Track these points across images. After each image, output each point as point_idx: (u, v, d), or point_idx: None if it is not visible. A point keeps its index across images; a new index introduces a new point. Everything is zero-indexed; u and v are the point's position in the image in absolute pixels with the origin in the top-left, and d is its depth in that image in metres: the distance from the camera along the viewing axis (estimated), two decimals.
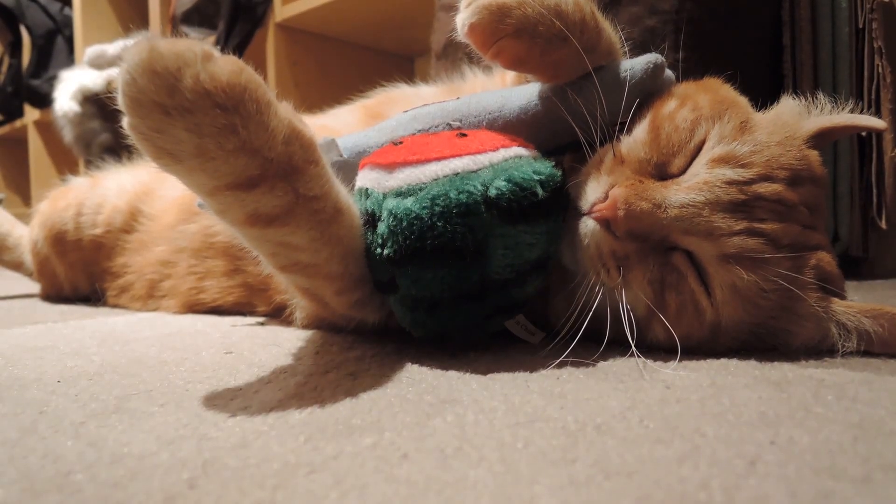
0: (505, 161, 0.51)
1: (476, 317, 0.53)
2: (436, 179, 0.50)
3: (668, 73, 0.58)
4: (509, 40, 0.52)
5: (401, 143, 0.56)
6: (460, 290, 0.51)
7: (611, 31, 0.58)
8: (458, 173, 0.50)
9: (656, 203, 0.50)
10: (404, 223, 0.49)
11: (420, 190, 0.49)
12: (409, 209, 0.49)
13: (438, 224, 0.48)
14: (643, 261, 0.52)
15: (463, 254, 0.49)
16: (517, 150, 0.52)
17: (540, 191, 0.49)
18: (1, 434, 0.37)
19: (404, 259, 0.49)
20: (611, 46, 0.58)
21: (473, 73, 0.75)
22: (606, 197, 0.51)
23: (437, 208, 0.48)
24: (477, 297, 0.52)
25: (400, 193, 0.50)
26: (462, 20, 0.53)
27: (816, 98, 0.59)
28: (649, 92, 0.57)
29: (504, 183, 0.48)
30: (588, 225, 0.52)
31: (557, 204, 0.52)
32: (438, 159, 0.51)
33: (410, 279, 0.50)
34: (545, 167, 0.51)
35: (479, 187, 0.48)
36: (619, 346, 0.54)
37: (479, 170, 0.50)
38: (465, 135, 0.54)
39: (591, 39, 0.55)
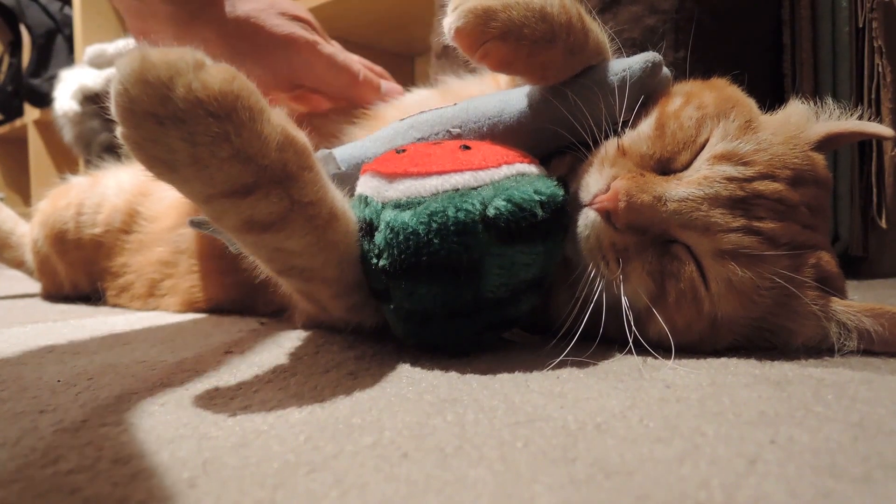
0: (507, 179, 0.50)
1: (468, 332, 0.53)
2: (435, 194, 0.49)
3: (665, 70, 0.58)
4: (495, 43, 0.52)
5: (403, 150, 0.55)
6: (453, 307, 0.51)
7: (599, 31, 0.58)
8: (458, 189, 0.49)
9: (657, 196, 0.50)
10: (401, 237, 0.48)
11: (418, 204, 0.49)
12: (407, 223, 0.48)
13: (435, 241, 0.47)
14: (642, 254, 0.52)
15: (458, 271, 0.48)
16: (520, 167, 0.52)
17: (540, 212, 0.48)
18: (1, 434, 0.37)
19: (399, 272, 0.49)
20: (599, 47, 0.58)
21: (470, 75, 0.75)
22: (608, 188, 0.52)
23: (434, 225, 0.48)
24: (470, 314, 0.51)
25: (398, 206, 0.50)
26: (448, 24, 0.53)
27: (824, 102, 0.59)
28: (648, 90, 0.57)
29: (503, 203, 0.48)
30: (589, 216, 0.53)
31: (557, 224, 0.51)
32: (439, 173, 0.50)
33: (404, 292, 0.50)
34: (547, 187, 0.50)
35: (478, 206, 0.48)
36: (618, 346, 0.54)
37: (480, 187, 0.49)
38: (468, 147, 0.53)
39: (577, 41, 0.55)
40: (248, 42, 0.74)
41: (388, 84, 0.84)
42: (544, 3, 0.53)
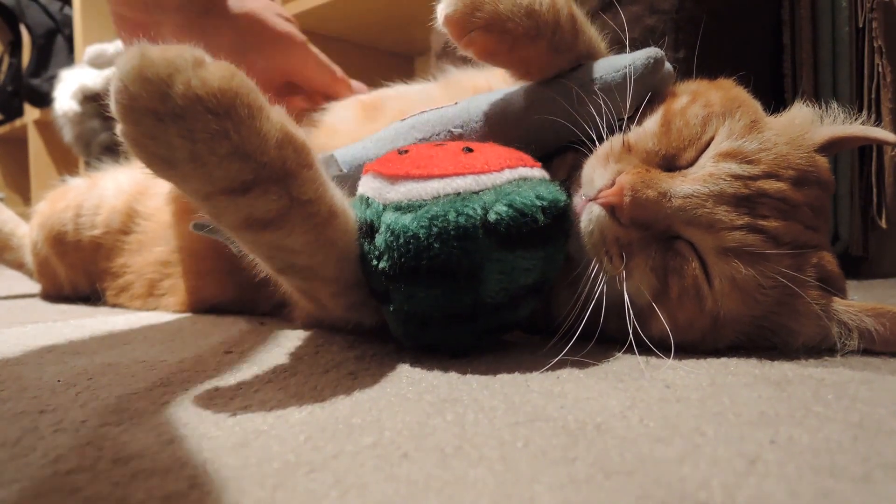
0: (509, 183, 0.50)
1: (467, 336, 0.53)
2: (436, 198, 0.49)
3: (668, 66, 0.59)
4: (480, 33, 0.54)
5: (406, 151, 0.55)
6: (452, 311, 0.51)
7: (594, 33, 0.60)
8: (460, 193, 0.49)
9: (662, 192, 0.50)
10: (401, 240, 0.48)
11: (420, 207, 0.49)
12: (407, 227, 0.48)
13: (435, 245, 0.47)
14: (645, 249, 0.52)
15: (457, 276, 0.48)
16: (522, 171, 0.51)
17: (541, 217, 0.48)
18: (1, 434, 0.37)
19: (399, 275, 0.49)
20: (590, 47, 0.59)
21: (474, 68, 0.75)
22: (613, 183, 0.52)
23: (434, 229, 0.47)
24: (469, 319, 0.51)
25: (399, 208, 0.50)
26: (440, 10, 0.55)
27: (829, 106, 0.59)
28: (651, 86, 0.57)
29: (504, 208, 0.47)
30: (593, 211, 0.53)
31: (558, 230, 0.51)
32: (441, 176, 0.50)
33: (403, 295, 0.50)
34: (549, 192, 0.50)
35: (479, 211, 0.47)
36: (618, 345, 0.54)
37: (481, 191, 0.49)
38: (471, 150, 0.53)
39: (564, 40, 0.56)
40: (255, 36, 0.81)
41: (356, 83, 0.95)
42: (533, 0, 0.54)
